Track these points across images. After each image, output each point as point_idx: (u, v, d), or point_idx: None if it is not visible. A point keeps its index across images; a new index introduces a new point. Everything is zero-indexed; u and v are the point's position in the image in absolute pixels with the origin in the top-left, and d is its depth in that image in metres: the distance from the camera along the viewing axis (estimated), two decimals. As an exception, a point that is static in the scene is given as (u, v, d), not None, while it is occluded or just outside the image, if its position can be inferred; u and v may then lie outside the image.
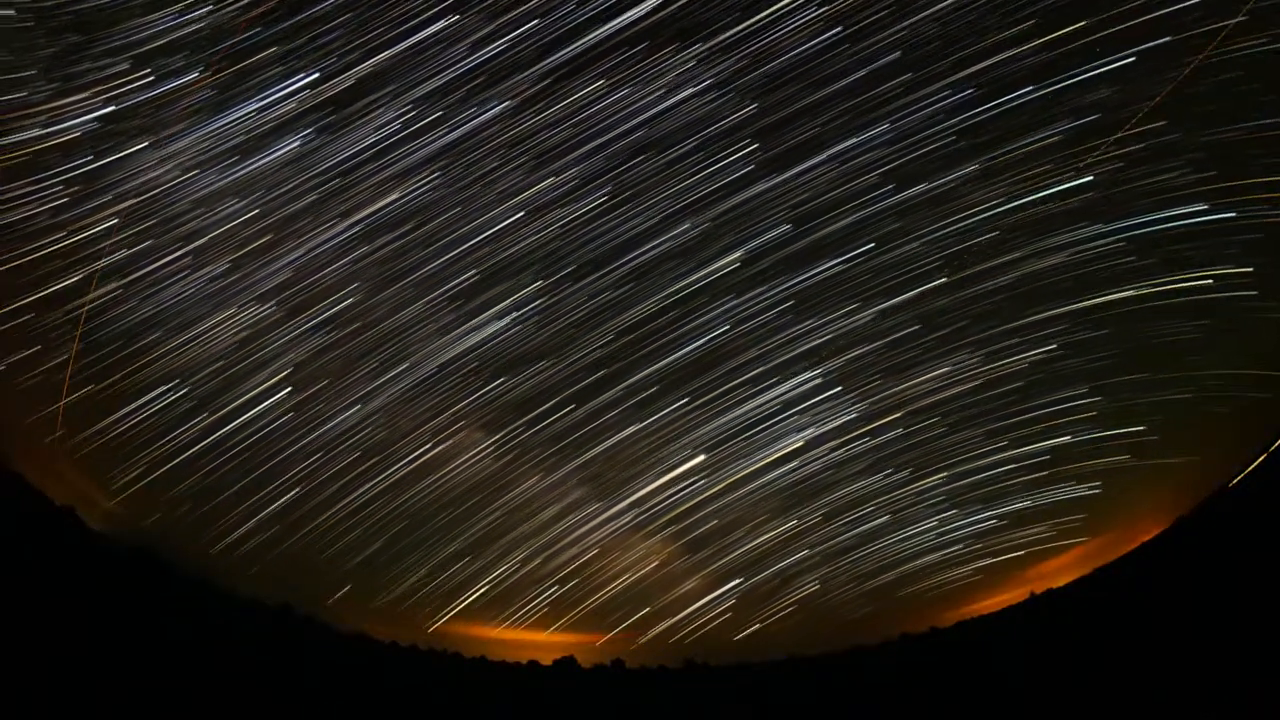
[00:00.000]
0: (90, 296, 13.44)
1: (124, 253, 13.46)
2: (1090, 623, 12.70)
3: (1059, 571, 14.52)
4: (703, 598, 15.24)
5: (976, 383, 14.51)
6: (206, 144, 13.30)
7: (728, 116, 13.44)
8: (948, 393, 14.61)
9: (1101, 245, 13.73)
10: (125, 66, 12.93)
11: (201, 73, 12.94)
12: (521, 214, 13.85)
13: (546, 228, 13.94)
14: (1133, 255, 13.70)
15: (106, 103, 13.00)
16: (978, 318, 14.25)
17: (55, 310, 13.38)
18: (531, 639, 15.00)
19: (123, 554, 13.06)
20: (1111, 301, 13.96)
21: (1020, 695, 11.69)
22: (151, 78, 12.98)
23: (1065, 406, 14.47)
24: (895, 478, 14.95)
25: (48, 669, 10.58)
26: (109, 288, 13.50)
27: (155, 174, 13.31)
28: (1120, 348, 14.14)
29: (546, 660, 14.32)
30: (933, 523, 15.05)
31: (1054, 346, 14.21)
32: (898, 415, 14.73)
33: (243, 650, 12.25)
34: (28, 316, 13.32)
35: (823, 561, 15.21)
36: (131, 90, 12.99)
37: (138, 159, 13.22)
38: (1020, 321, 14.20)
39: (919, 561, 15.10)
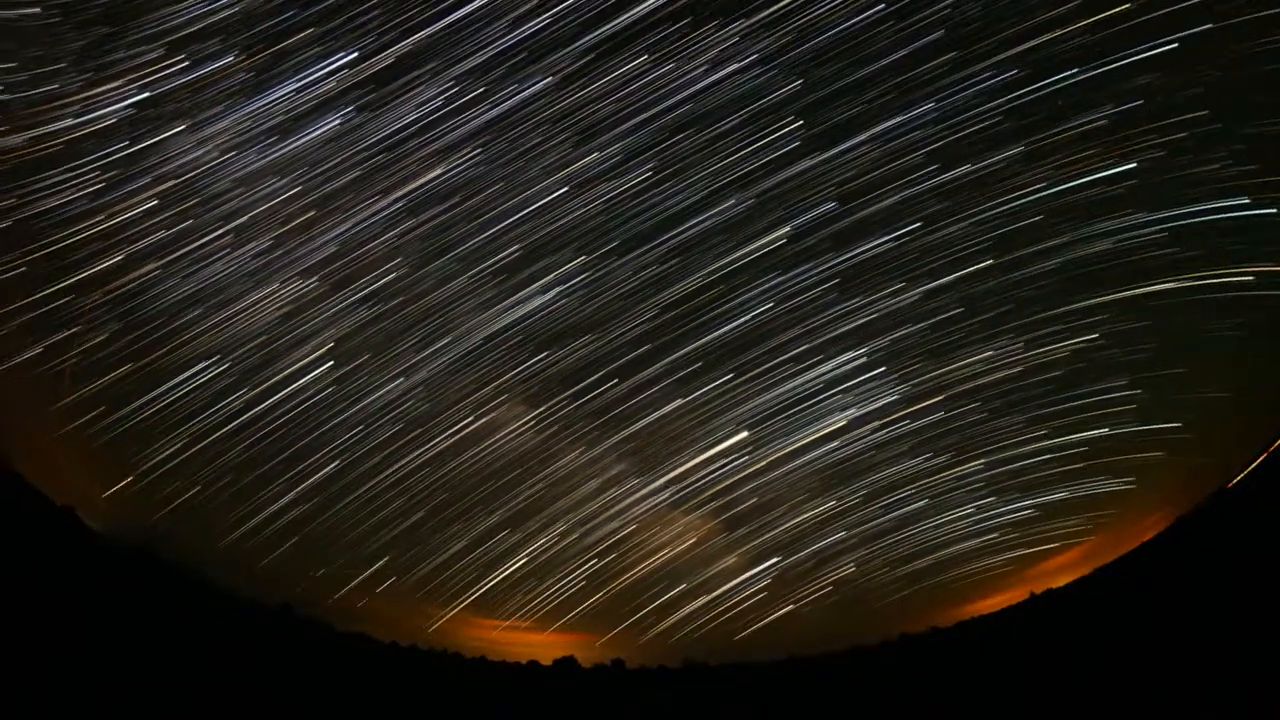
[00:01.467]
0: (129, 277, 13.49)
1: (163, 233, 13.61)
2: (1090, 623, 12.67)
3: (1059, 571, 14.51)
4: (739, 575, 15.31)
5: (1018, 369, 14.48)
6: (245, 125, 13.46)
7: (772, 93, 13.46)
8: (990, 378, 14.60)
9: (1144, 234, 13.68)
10: (159, 53, 13.04)
11: (237, 56, 12.98)
12: (565, 189, 13.95)
13: (590, 203, 14.05)
14: (1175, 247, 13.66)
15: (141, 89, 13.18)
16: (1022, 303, 14.22)
17: (94, 291, 13.51)
18: (532, 639, 15.00)
19: (123, 554, 13.05)
20: (1153, 293, 13.88)
21: (1020, 695, 11.67)
22: (186, 63, 13.13)
23: (1105, 398, 14.43)
24: (935, 462, 14.98)
25: (48, 669, 10.56)
26: (148, 267, 13.62)
27: (193, 155, 13.50)
28: (1161, 340, 14.07)
29: (546, 660, 14.31)
30: (970, 509, 15.04)
31: (1096, 336, 14.15)
32: (939, 399, 14.73)
33: (243, 650, 12.23)
34: (67, 299, 13.47)
35: (860, 544, 15.24)
36: (166, 76, 13.17)
37: (175, 142, 13.40)
38: (1063, 308, 14.17)
39: (955, 548, 15.10)
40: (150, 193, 13.40)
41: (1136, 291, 13.90)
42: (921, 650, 13.90)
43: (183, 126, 13.26)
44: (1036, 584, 14.40)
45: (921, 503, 15.02)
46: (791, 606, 15.18)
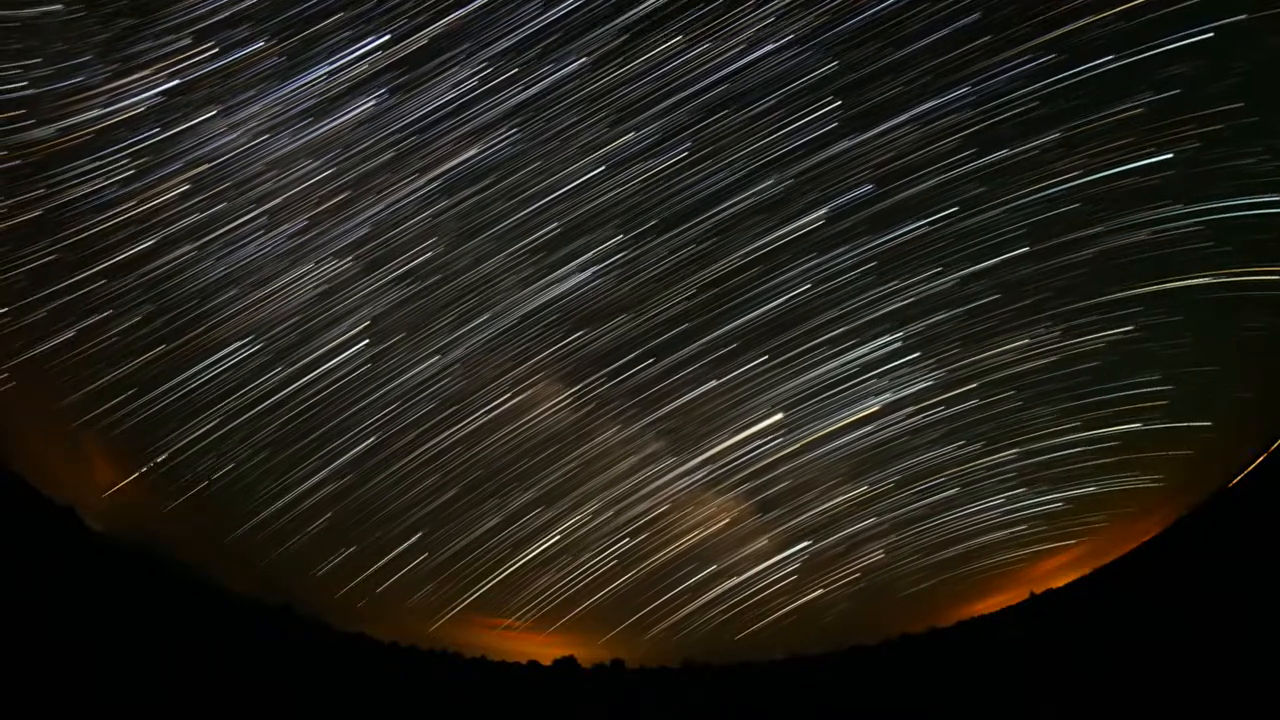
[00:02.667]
0: (162, 260, 13.63)
1: (196, 216, 13.67)
2: (1090, 623, 12.68)
3: (1059, 571, 14.50)
4: (770, 558, 15.22)
5: (1053, 358, 14.35)
6: (277, 109, 13.50)
7: (809, 73, 13.40)
8: (1025, 366, 14.46)
9: (1180, 227, 13.57)
10: (187, 42, 13.12)
11: (267, 42, 13.06)
12: (602, 168, 13.92)
13: (628, 182, 14.00)
14: (1210, 241, 13.52)
15: (169, 78, 13.22)
16: (1058, 291, 14.06)
17: (127, 275, 13.62)
18: (532, 639, 15.01)
19: (123, 554, 13.06)
20: (1189, 287, 13.77)
21: (1020, 695, 11.68)
22: (215, 50, 13.18)
23: (1139, 392, 14.31)
24: (967, 450, 14.86)
25: (47, 669, 10.57)
26: (182, 250, 13.70)
27: (226, 140, 13.53)
28: (1195, 336, 13.95)
29: (546, 660, 14.31)
30: (1001, 499, 14.93)
31: (1131, 328, 14.03)
32: (974, 386, 14.61)
33: (243, 650, 12.25)
34: (99, 284, 13.58)
35: (890, 530, 15.12)
36: (195, 64, 13.20)
37: (206, 127, 13.46)
38: (1099, 299, 14.03)
39: (984, 539, 15.00)
40: (182, 178, 13.52)
41: (1172, 285, 13.80)
42: (921, 650, 13.90)
43: (214, 112, 13.34)
44: (1036, 584, 14.40)
45: (953, 491, 14.94)
46: (820, 591, 15.15)
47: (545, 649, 14.62)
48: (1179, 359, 14.08)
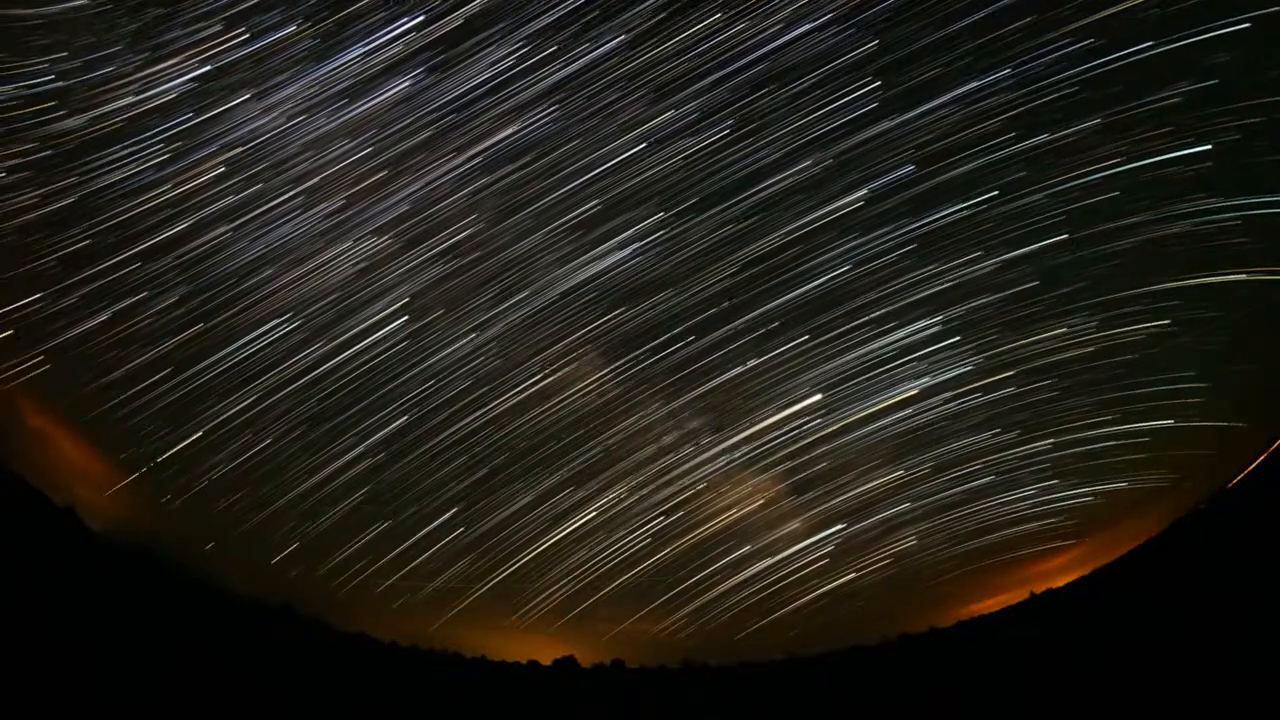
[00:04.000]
0: (198, 242, 13.74)
1: (232, 198, 13.75)
2: (1090, 623, 12.67)
3: (1059, 571, 14.49)
4: (804, 540, 15.25)
5: (1091, 349, 14.31)
6: (313, 90, 13.57)
7: (849, 52, 13.39)
8: (1062, 355, 14.43)
9: (1218, 220, 13.49)
10: (218, 28, 13.20)
11: (300, 25, 13.11)
12: (643, 145, 13.94)
13: (668, 159, 14.01)
14: (1247, 236, 13.47)
15: (202, 63, 13.29)
16: (1097, 280, 14.04)
17: (163, 257, 13.72)
18: (531, 639, 15.00)
19: (123, 554, 13.06)
20: (1226, 283, 13.69)
21: (1020, 695, 11.67)
22: (247, 35, 13.24)
23: (1174, 388, 14.26)
24: (1003, 438, 14.84)
25: (47, 669, 10.56)
26: (218, 231, 13.78)
27: (261, 122, 13.64)
28: (1231, 334, 13.88)
29: (546, 660, 14.31)
30: (1034, 490, 14.90)
31: (1169, 322, 13.97)
32: (1011, 373, 14.60)
33: (243, 650, 12.24)
34: (135, 266, 13.68)
35: (924, 516, 15.15)
36: (227, 49, 13.27)
37: (241, 110, 13.54)
38: (1138, 290, 13.99)
39: (1015, 529, 14.99)
40: (217, 160, 13.61)
41: (1210, 280, 13.73)
42: (921, 650, 13.90)
43: (248, 95, 13.42)
44: (1036, 584, 14.39)
45: (988, 479, 14.93)
46: (853, 575, 15.14)
47: (545, 649, 14.62)
48: (1213, 356, 14.02)
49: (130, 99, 13.28)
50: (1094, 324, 14.20)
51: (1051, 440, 14.71)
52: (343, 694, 12.45)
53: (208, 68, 13.22)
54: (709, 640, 15.11)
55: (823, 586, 15.19)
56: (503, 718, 13.29)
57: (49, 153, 13.37)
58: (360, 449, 14.54)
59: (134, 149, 13.44)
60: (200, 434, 14.20)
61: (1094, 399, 14.51)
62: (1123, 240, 13.77)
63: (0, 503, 12.78)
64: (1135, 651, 11.37)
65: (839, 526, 15.17)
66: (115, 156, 13.44)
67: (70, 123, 13.29)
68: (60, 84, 13.21)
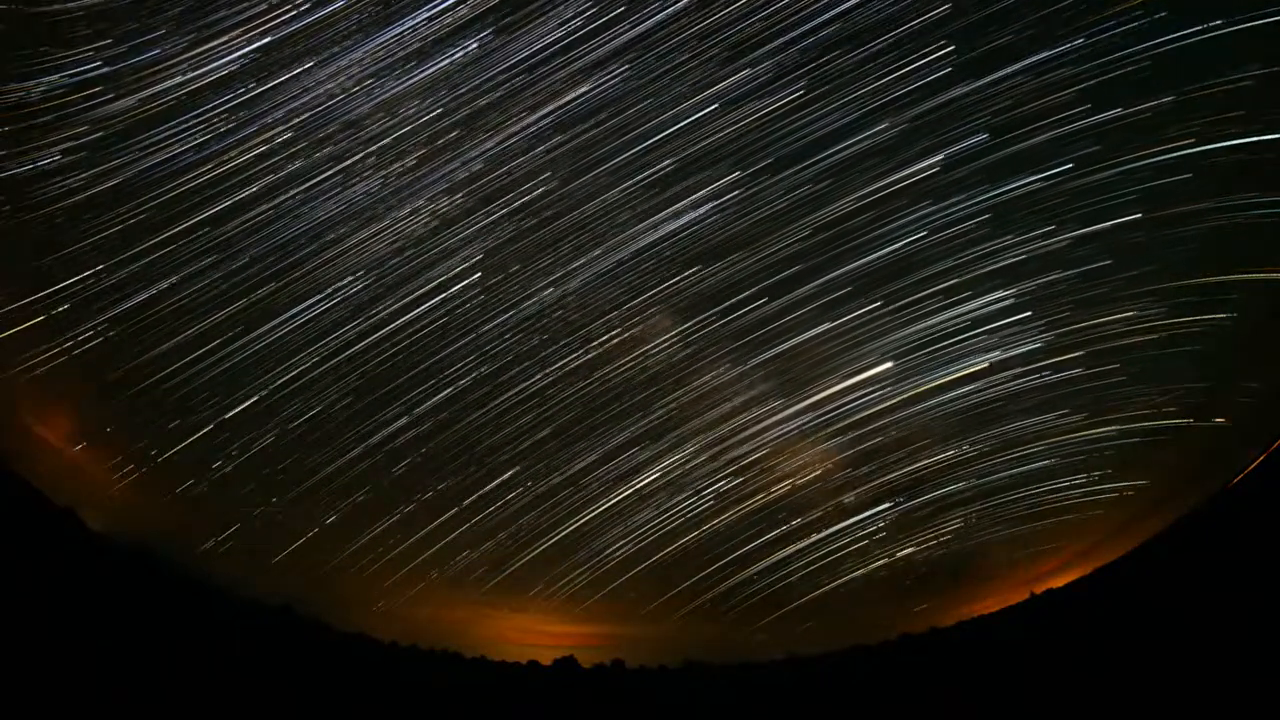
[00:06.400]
0: (266, 206, 13.80)
1: (302, 162, 13.78)
2: (1090, 623, 12.67)
3: (1059, 571, 14.49)
4: (860, 513, 15.21)
5: (1158, 335, 14.16)
6: (379, 55, 13.50)
7: (922, 15, 13.28)
8: (1130, 339, 14.30)
9: None
10: (263, 6, 13.15)
11: None
12: (715, 106, 13.89)
13: (741, 120, 13.95)
14: None
15: (255, 39, 13.25)
16: (1167, 264, 13.84)
17: (230, 221, 13.80)
18: (532, 638, 15.01)
19: (123, 554, 13.06)
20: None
21: (1020, 695, 11.67)
22: (306, 6, 13.17)
23: (1231, 385, 14.13)
24: (1068, 420, 14.69)
25: (47, 670, 10.57)
26: (288, 194, 13.83)
27: (327, 88, 13.59)
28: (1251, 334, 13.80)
29: (546, 660, 14.32)
30: (1095, 475, 14.76)
31: (1235, 314, 13.81)
32: (1080, 354, 14.44)
33: (243, 650, 12.25)
34: (203, 231, 13.76)
35: (978, 497, 15.03)
36: (283, 23, 13.24)
37: (304, 78, 13.49)
38: (1206, 279, 13.81)
39: (1067, 517, 14.83)
40: (283, 126, 13.61)
41: (1273, 276, 13.58)
42: (921, 650, 13.90)
43: (311, 63, 13.39)
44: (1036, 584, 14.38)
45: (1047, 462, 14.80)
46: (912, 549, 15.07)
47: (545, 650, 14.63)
48: (1273, 357, 13.88)
49: (182, 77, 13.28)
50: (1163, 309, 14.01)
51: (1116, 427, 14.56)
52: (343, 694, 12.46)
53: (267, 39, 13.21)
54: (731, 625, 15.05)
55: (875, 562, 15.17)
56: (503, 718, 13.30)
57: (100, 134, 13.39)
58: (432, 402, 14.58)
59: (191, 124, 13.46)
60: (264, 393, 14.27)
61: (1158, 387, 14.32)
62: (1192, 225, 13.55)
63: (0, 503, 12.78)
64: (1135, 651, 11.37)
65: (897, 500, 15.10)
66: (171, 132, 13.45)
67: (121, 104, 13.30)
68: (107, 69, 13.21)
